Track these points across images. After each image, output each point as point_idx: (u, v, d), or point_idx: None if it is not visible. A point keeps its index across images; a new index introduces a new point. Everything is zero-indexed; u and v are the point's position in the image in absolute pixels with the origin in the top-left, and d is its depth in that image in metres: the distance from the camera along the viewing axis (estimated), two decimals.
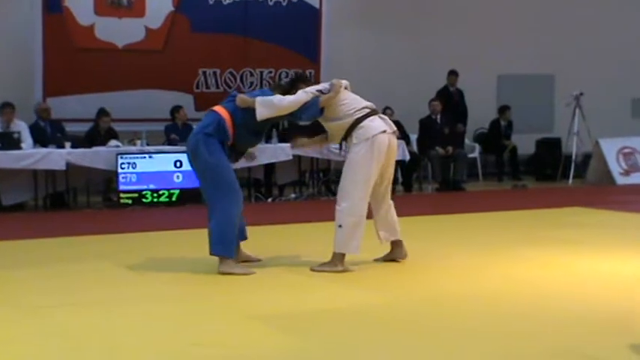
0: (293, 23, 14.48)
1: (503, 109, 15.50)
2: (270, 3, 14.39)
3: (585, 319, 4.76)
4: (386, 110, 11.41)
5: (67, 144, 11.08)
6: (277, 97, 6.31)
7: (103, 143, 11.63)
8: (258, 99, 6.26)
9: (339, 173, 12.62)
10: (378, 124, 6.33)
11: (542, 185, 14.65)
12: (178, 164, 11.17)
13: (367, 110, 6.37)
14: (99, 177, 11.55)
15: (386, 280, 6.07)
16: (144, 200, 11.10)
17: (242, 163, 10.22)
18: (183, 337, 4.52)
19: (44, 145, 11.13)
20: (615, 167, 14.16)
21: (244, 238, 6.66)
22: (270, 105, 6.26)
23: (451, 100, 14.70)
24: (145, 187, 11.12)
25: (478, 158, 15.27)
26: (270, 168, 12.35)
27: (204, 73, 14.03)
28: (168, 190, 11.19)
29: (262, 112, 6.23)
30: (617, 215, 9.82)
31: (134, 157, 11.10)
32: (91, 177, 11.44)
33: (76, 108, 12.94)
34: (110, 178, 11.46)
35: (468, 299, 5.36)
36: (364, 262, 6.42)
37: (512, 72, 16.48)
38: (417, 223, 6.77)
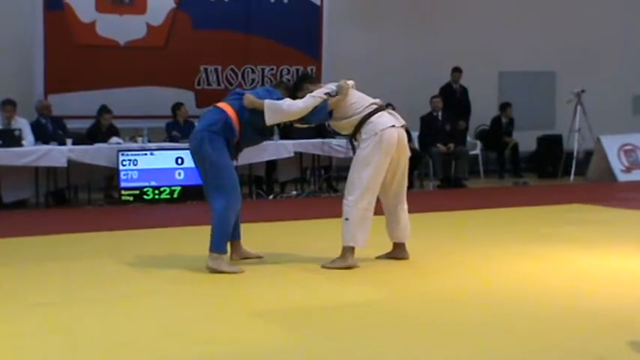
0: (294, 20, 14.48)
1: (504, 106, 15.50)
2: (272, 0, 14.38)
3: (588, 316, 4.75)
4: (387, 107, 11.39)
5: (69, 141, 11.08)
6: (286, 103, 6.31)
7: (104, 140, 11.63)
8: (267, 103, 6.26)
9: (340, 170, 12.82)
10: (387, 119, 6.35)
11: (544, 182, 14.63)
12: (179, 161, 11.17)
13: (375, 107, 6.39)
14: (100, 174, 11.55)
15: (388, 276, 6.06)
16: (145, 197, 11.10)
17: (243, 160, 10.28)
18: (184, 334, 4.51)
19: (45, 143, 11.13)
20: (616, 164, 14.16)
21: (237, 237, 6.64)
22: (279, 111, 6.28)
23: (454, 97, 14.69)
24: (146, 184, 11.12)
25: (479, 155, 15.26)
26: (271, 165, 12.35)
27: (205, 70, 14.03)
28: (169, 187, 11.20)
29: (271, 117, 6.27)
30: (619, 212, 9.82)
31: (135, 154, 11.10)
32: (92, 174, 11.43)
33: (77, 105, 12.93)
34: (111, 175, 11.47)
35: (470, 296, 5.36)
36: (366, 259, 6.42)
37: (514, 69, 16.49)
38: (418, 220, 6.76)
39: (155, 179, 11.16)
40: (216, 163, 6.26)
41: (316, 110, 6.32)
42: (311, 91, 6.38)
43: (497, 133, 15.36)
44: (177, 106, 12.74)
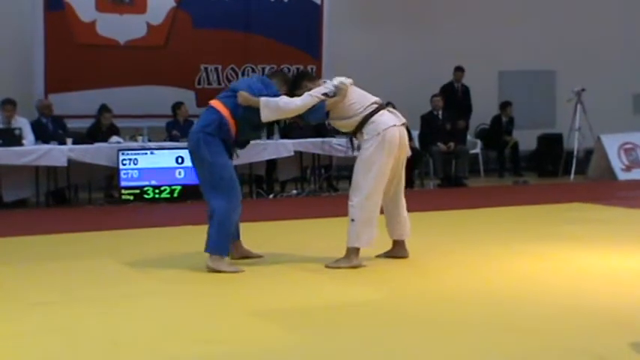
0: (294, 19, 14.48)
1: (504, 105, 15.50)
2: None
3: (589, 315, 4.75)
4: (387, 106, 11.39)
5: (69, 140, 11.09)
6: (283, 100, 6.28)
7: (105, 139, 11.63)
8: (263, 100, 6.22)
9: (340, 169, 12.83)
10: (388, 118, 6.34)
11: (544, 181, 14.63)
12: (180, 160, 11.18)
13: (375, 106, 6.37)
14: (100, 173, 11.56)
15: (388, 276, 6.06)
16: (145, 196, 11.11)
17: (243, 160, 10.31)
18: (184, 334, 4.51)
19: (46, 142, 11.14)
20: (617, 163, 14.16)
21: (237, 236, 6.63)
22: (275, 108, 6.25)
23: (455, 96, 14.69)
24: (146, 183, 11.12)
25: (479, 154, 15.26)
26: (271, 164, 12.36)
27: (205, 69, 14.03)
28: (169, 186, 11.20)
29: (267, 114, 6.23)
30: (619, 211, 9.81)
31: (135, 154, 11.10)
32: (92, 173, 11.44)
33: (77, 104, 12.94)
34: (111, 174, 11.47)
35: (471, 295, 5.35)
36: (366, 258, 6.41)
37: (514, 68, 16.50)
38: (418, 219, 6.76)
39: (155, 178, 11.16)
40: (214, 163, 6.25)
41: (314, 109, 6.28)
42: (310, 89, 6.35)
43: (498, 132, 15.36)
44: (177, 106, 12.74)
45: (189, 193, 11.11)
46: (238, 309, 5.07)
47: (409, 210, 6.63)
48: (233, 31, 14.17)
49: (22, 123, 11.29)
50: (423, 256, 6.68)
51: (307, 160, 12.51)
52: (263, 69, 14.26)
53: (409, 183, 13.24)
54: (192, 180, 11.00)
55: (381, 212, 6.47)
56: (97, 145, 11.33)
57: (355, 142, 6.47)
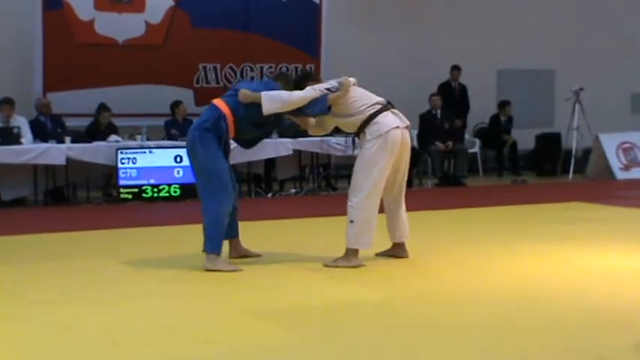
0: (293, 18, 14.48)
1: (503, 104, 15.51)
2: None
3: (588, 315, 4.75)
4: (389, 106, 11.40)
5: (67, 139, 11.08)
6: (285, 93, 6.28)
7: (103, 138, 11.63)
8: (264, 93, 6.22)
9: (339, 168, 12.82)
10: (391, 119, 6.32)
11: (542, 180, 14.64)
12: (178, 159, 11.17)
13: (379, 106, 6.34)
14: (99, 172, 11.55)
15: (387, 275, 6.06)
16: (144, 195, 11.10)
17: (242, 158, 10.29)
18: (183, 334, 4.51)
19: (44, 141, 11.13)
20: (615, 162, 14.17)
21: (236, 235, 6.63)
22: (278, 99, 6.21)
23: (453, 95, 14.69)
24: (145, 182, 11.12)
25: (478, 153, 15.27)
26: (270, 163, 12.35)
27: (204, 68, 14.03)
28: (168, 185, 11.20)
29: (269, 106, 6.18)
30: (618, 210, 9.82)
31: (134, 152, 11.10)
32: (91, 172, 11.43)
33: (76, 103, 12.93)
34: (110, 173, 11.46)
35: (470, 295, 5.35)
36: (365, 258, 6.41)
37: (513, 67, 16.50)
38: (417, 218, 6.76)
39: (154, 177, 11.16)
40: (206, 162, 6.25)
41: (315, 102, 6.25)
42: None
43: (496, 132, 15.37)
44: (176, 105, 12.74)
45: (187, 192, 11.10)
46: (237, 308, 5.07)
47: (409, 209, 6.63)
48: (232, 31, 14.17)
49: (21, 122, 11.28)
50: (422, 255, 6.68)
51: (306, 159, 12.51)
52: (261, 68, 14.28)
53: (408, 182, 13.29)
54: (191, 179, 10.98)
55: (381, 212, 6.47)
56: (95, 143, 11.33)
57: (357, 142, 6.44)
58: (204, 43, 13.89)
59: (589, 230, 8.09)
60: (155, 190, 11.15)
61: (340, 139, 11.60)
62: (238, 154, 9.32)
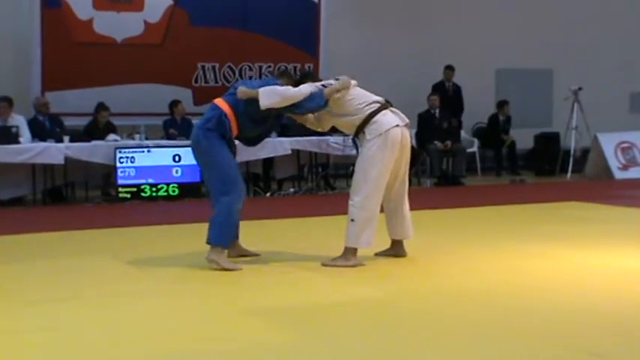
0: (292, 17, 14.49)
1: (501, 104, 15.51)
2: None
3: (587, 314, 4.75)
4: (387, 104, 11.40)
5: (66, 138, 11.08)
6: (282, 88, 6.28)
7: (102, 137, 11.62)
8: (261, 89, 6.23)
9: (337, 167, 12.82)
10: (390, 118, 6.32)
11: (541, 180, 14.65)
12: (177, 158, 11.17)
13: (378, 105, 6.34)
14: (97, 171, 11.55)
15: (386, 274, 6.06)
16: (142, 194, 11.10)
17: (241, 157, 10.28)
18: (183, 332, 4.51)
19: (43, 140, 11.13)
20: (614, 162, 14.17)
21: (236, 236, 6.63)
22: (274, 93, 6.19)
23: (446, 95, 14.68)
24: (143, 181, 11.12)
25: (477, 153, 15.27)
26: (268, 162, 12.35)
27: (202, 67, 14.03)
28: (167, 184, 11.19)
29: (266, 100, 6.16)
30: (616, 210, 9.82)
31: (133, 152, 11.09)
32: (89, 171, 11.43)
33: (74, 102, 12.93)
34: (108, 172, 11.45)
35: (469, 294, 5.35)
36: (364, 257, 6.41)
37: (511, 66, 16.51)
38: (415, 217, 6.75)
39: (152, 177, 11.15)
40: (215, 160, 6.29)
41: (312, 97, 6.24)
42: None
43: (495, 131, 15.38)
44: (174, 104, 12.73)
45: (186, 191, 11.12)
46: (235, 307, 5.07)
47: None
48: (230, 29, 14.17)
49: (19, 121, 11.27)
50: (421, 255, 6.67)
51: (304, 159, 12.51)
52: (260, 67, 14.28)
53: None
54: (190, 178, 11.07)
55: (381, 211, 6.47)
56: (94, 143, 11.33)
57: (358, 142, 6.43)
58: (202, 42, 13.90)
59: (587, 230, 8.08)
60: (153, 189, 11.15)
61: (339, 139, 11.62)
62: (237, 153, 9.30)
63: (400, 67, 15.21)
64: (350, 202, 6.27)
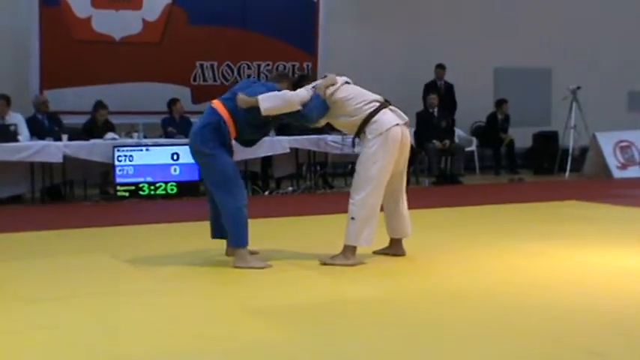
0: (290, 16, 14.48)
1: (500, 103, 15.51)
2: None
3: (587, 313, 4.75)
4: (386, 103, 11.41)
5: (64, 136, 11.07)
6: (280, 92, 6.29)
7: (100, 136, 11.61)
8: (260, 96, 6.23)
9: (336, 166, 12.82)
10: (390, 117, 6.32)
11: (539, 179, 14.65)
12: (175, 157, 11.16)
13: (377, 104, 6.34)
14: (96, 170, 11.54)
15: (385, 273, 6.05)
16: (141, 193, 11.10)
17: (239, 156, 10.23)
18: (182, 330, 4.50)
19: (41, 138, 11.12)
20: (612, 161, 14.17)
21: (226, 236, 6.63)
22: (275, 98, 6.21)
23: (438, 94, 14.64)
24: (142, 179, 11.11)
25: (475, 152, 15.26)
26: (267, 161, 12.35)
27: (201, 65, 14.01)
28: (165, 182, 11.19)
29: (266, 106, 6.18)
30: (614, 209, 9.82)
31: (131, 150, 11.09)
32: (87, 170, 11.42)
33: (72, 100, 12.92)
34: (107, 170, 11.45)
35: (468, 293, 5.35)
36: (363, 256, 6.40)
37: (509, 65, 16.51)
38: (414, 216, 6.75)
39: (151, 175, 11.15)
40: (214, 161, 6.28)
41: (313, 104, 6.26)
42: None
43: (493, 130, 15.38)
44: (172, 102, 12.72)
45: (184, 189, 11.11)
46: (234, 306, 5.07)
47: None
48: (229, 28, 14.16)
49: (18, 119, 11.27)
50: (420, 253, 6.67)
51: (303, 157, 12.51)
52: (259, 66, 14.27)
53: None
54: (188, 177, 11.06)
55: (381, 210, 6.47)
56: (92, 141, 11.32)
57: (358, 142, 6.43)
58: (201, 41, 13.88)
59: (586, 229, 8.09)
60: (152, 187, 11.14)
61: (337, 137, 11.62)
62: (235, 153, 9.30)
63: (398, 65, 15.20)
64: (350, 201, 6.27)
